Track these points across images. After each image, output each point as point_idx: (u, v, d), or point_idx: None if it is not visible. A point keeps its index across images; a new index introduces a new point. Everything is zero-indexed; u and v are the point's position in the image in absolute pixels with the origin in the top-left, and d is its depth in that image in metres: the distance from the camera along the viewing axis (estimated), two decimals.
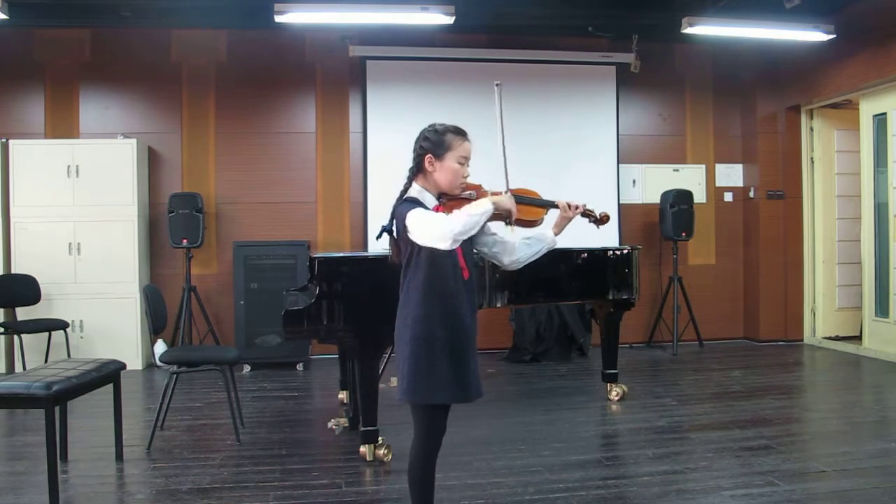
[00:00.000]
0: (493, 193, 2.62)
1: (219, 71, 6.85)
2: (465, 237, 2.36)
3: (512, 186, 2.66)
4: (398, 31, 6.58)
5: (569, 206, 2.69)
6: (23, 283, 6.03)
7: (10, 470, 3.71)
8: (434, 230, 2.33)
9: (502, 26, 6.96)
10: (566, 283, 4.78)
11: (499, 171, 2.67)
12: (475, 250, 2.69)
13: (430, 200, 2.54)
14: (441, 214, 2.41)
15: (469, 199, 2.59)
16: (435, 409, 2.50)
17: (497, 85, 2.59)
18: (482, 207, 2.40)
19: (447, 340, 2.46)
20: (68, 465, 3.74)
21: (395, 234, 2.52)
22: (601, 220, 2.89)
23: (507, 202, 2.51)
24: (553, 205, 2.72)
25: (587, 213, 2.83)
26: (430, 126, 2.57)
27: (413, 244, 2.44)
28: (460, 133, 2.54)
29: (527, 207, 2.69)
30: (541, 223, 2.73)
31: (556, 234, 2.71)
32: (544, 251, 2.71)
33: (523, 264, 2.71)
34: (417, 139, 2.56)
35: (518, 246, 2.69)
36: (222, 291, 6.73)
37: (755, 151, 7.49)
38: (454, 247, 2.35)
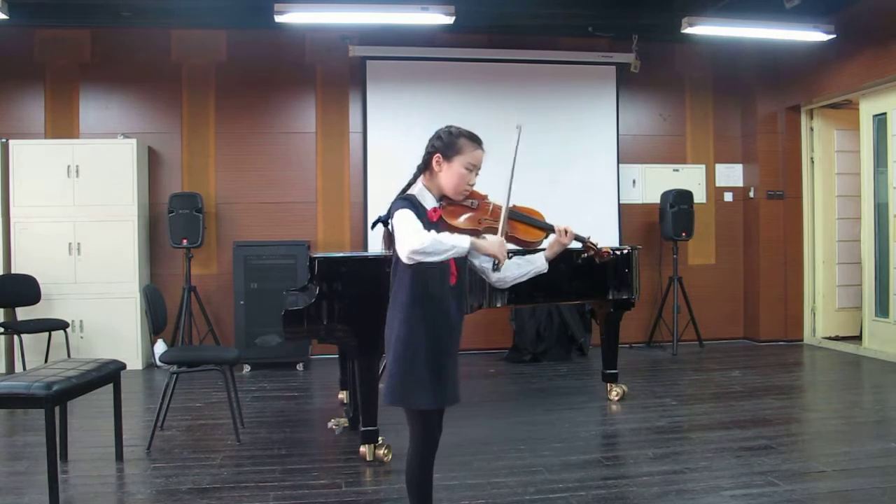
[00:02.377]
0: (491, 212, 2.55)
1: (219, 71, 6.85)
2: (424, 259, 2.29)
3: (518, 204, 2.60)
4: (398, 31, 6.58)
5: (565, 231, 2.62)
6: (23, 283, 6.03)
7: (10, 470, 3.71)
8: (401, 239, 2.31)
9: (502, 26, 6.95)
10: (566, 283, 4.77)
11: (502, 186, 2.57)
12: (468, 260, 2.63)
13: (430, 201, 2.51)
14: (419, 226, 2.34)
15: (470, 208, 2.54)
16: (427, 412, 2.48)
17: (518, 127, 2.53)
18: (456, 242, 2.32)
19: (430, 345, 2.43)
20: (68, 465, 3.74)
21: (388, 226, 2.48)
22: (600, 255, 2.79)
23: (494, 248, 2.41)
24: (551, 229, 2.65)
25: (589, 246, 2.75)
26: (446, 126, 2.55)
27: None
28: (475, 140, 2.51)
29: (528, 228, 2.63)
30: (538, 245, 2.68)
31: (548, 259, 2.66)
32: (532, 275, 2.66)
33: (509, 284, 2.66)
34: (432, 137, 2.53)
35: (508, 265, 2.60)
36: (222, 291, 6.73)
37: (755, 151, 7.48)
38: (409, 263, 2.31)
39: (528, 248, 2.71)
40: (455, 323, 2.52)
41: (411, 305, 2.44)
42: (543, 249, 2.69)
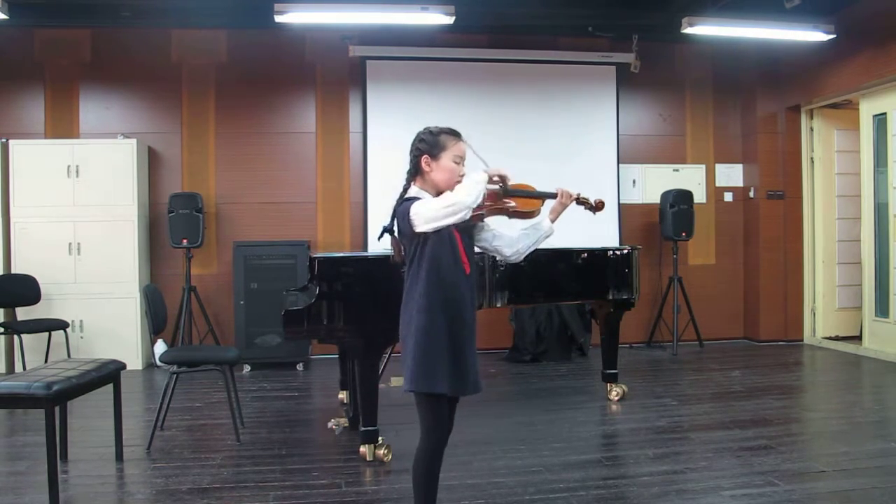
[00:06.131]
0: (488, 196, 2.67)
1: (219, 71, 6.85)
2: (475, 205, 2.42)
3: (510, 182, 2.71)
4: (398, 31, 6.58)
5: (563, 194, 2.77)
6: (23, 283, 6.03)
7: (10, 470, 3.71)
8: (445, 204, 2.40)
9: (502, 26, 6.95)
10: (566, 283, 4.78)
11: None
12: (477, 247, 2.72)
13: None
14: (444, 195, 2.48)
15: None
16: (438, 402, 2.51)
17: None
18: (476, 177, 2.48)
19: (449, 331, 2.50)
20: (68, 465, 3.74)
21: (396, 233, 2.56)
22: (596, 207, 2.96)
23: (495, 168, 2.58)
24: (551, 195, 2.79)
25: (582, 201, 2.89)
26: (424, 129, 2.64)
27: (415, 241, 2.50)
28: (454, 134, 2.61)
29: (524, 200, 2.76)
30: (538, 214, 2.80)
31: (553, 221, 2.78)
32: (543, 239, 2.78)
33: (525, 254, 2.76)
34: (413, 142, 2.62)
35: (518, 237, 2.74)
36: (222, 291, 6.73)
37: (755, 151, 7.48)
38: (466, 217, 2.42)
39: (530, 218, 2.82)
40: (469, 312, 2.58)
41: (430, 293, 2.50)
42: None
